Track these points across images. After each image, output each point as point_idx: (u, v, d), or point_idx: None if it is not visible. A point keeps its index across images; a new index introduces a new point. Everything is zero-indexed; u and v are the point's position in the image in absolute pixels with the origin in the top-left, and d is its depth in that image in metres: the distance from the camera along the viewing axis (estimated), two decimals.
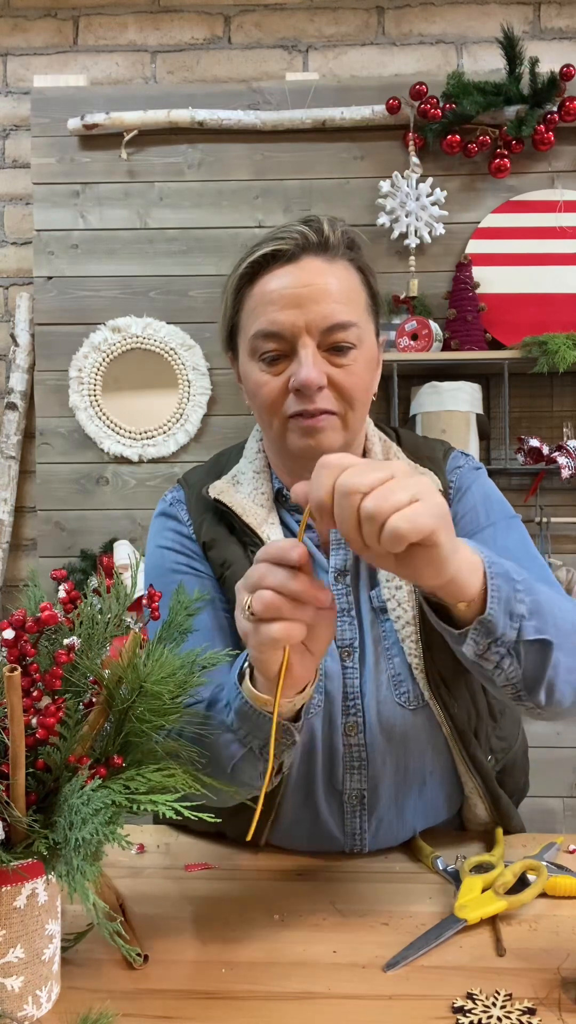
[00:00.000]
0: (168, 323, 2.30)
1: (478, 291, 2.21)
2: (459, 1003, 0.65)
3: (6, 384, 2.39)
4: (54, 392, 2.33)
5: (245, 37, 2.41)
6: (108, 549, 2.27)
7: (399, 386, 2.15)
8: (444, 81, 2.21)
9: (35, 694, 0.63)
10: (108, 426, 2.31)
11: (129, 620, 0.74)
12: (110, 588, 0.75)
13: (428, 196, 2.20)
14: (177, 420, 2.31)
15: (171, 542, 1.02)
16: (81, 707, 0.68)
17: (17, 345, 2.37)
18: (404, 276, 2.25)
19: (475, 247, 2.27)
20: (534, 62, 2.16)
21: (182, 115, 2.26)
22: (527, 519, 2.21)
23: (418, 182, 2.21)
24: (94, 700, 0.68)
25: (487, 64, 2.37)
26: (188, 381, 2.31)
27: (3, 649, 0.64)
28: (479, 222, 2.28)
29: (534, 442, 2.14)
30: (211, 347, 2.29)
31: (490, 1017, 0.63)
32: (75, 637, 0.67)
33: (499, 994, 0.66)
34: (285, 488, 1.00)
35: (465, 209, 2.28)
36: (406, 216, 2.22)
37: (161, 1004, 0.66)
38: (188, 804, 0.62)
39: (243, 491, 1.00)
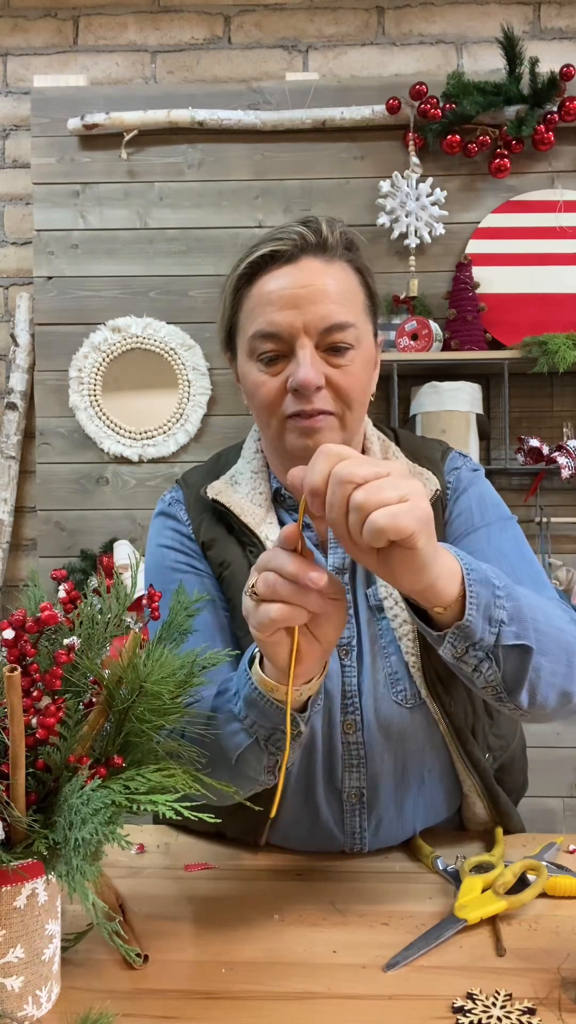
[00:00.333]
0: (168, 323, 2.30)
1: (478, 291, 2.21)
2: (459, 1003, 0.65)
3: (6, 384, 2.39)
4: (54, 392, 2.33)
5: (245, 37, 2.41)
6: (108, 549, 2.27)
7: (399, 386, 2.15)
8: (444, 81, 2.21)
9: (35, 694, 0.63)
10: (108, 426, 2.31)
11: (129, 620, 0.74)
12: (110, 588, 0.75)
13: (428, 196, 2.20)
14: (177, 420, 2.31)
15: (171, 541, 1.02)
16: (81, 707, 0.68)
17: (17, 345, 2.37)
18: (404, 276, 2.25)
19: (475, 247, 2.27)
20: (534, 62, 2.16)
21: (182, 115, 2.26)
22: (527, 519, 2.22)
23: (418, 182, 2.21)
24: (94, 700, 0.68)
25: (487, 64, 2.37)
26: (188, 381, 2.31)
27: (3, 649, 0.64)
28: (479, 222, 2.28)
29: (534, 442, 2.14)
30: (211, 347, 2.29)
31: (490, 1017, 0.63)
32: (75, 637, 0.67)
33: (499, 994, 0.66)
34: (283, 488, 1.00)
35: (465, 209, 2.28)
36: (406, 216, 2.22)
37: (161, 1004, 0.66)
38: (188, 804, 0.62)
39: (241, 491, 1.00)
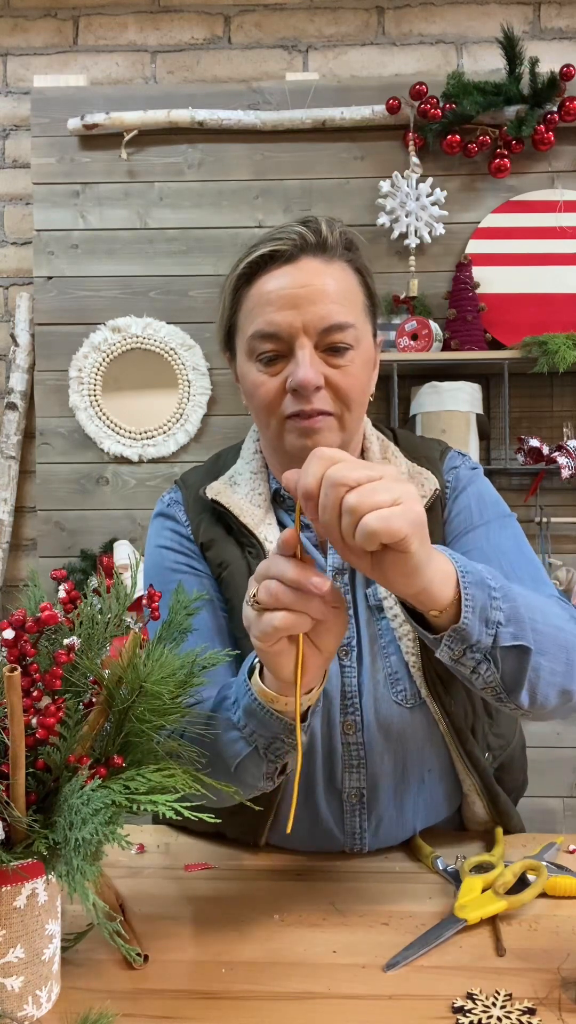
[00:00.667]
0: (168, 323, 2.30)
1: (478, 291, 2.21)
2: (459, 1003, 0.65)
3: (6, 384, 2.39)
4: (54, 392, 2.33)
5: (245, 37, 2.41)
6: (108, 549, 2.27)
7: (399, 386, 2.15)
8: (444, 81, 2.21)
9: (35, 694, 0.63)
10: (108, 426, 2.31)
11: (129, 620, 0.74)
12: (110, 588, 0.75)
13: (428, 196, 2.20)
14: (177, 420, 2.31)
15: (170, 541, 1.02)
16: (81, 707, 0.68)
17: (17, 345, 2.37)
18: (404, 276, 2.25)
19: (475, 247, 2.27)
20: (534, 62, 2.16)
21: (182, 115, 2.26)
22: (527, 519, 2.22)
23: (418, 182, 2.21)
24: (94, 700, 0.68)
25: (487, 64, 2.37)
26: (188, 381, 2.31)
27: (3, 649, 0.64)
28: (479, 222, 2.28)
29: (534, 442, 2.14)
30: (211, 347, 2.29)
31: (490, 1017, 0.63)
32: (75, 637, 0.67)
33: (499, 994, 0.66)
34: (283, 489, 1.00)
35: (465, 209, 2.28)
36: (406, 216, 2.22)
37: (161, 1004, 0.66)
38: (188, 804, 0.62)
39: (240, 491, 1.00)
